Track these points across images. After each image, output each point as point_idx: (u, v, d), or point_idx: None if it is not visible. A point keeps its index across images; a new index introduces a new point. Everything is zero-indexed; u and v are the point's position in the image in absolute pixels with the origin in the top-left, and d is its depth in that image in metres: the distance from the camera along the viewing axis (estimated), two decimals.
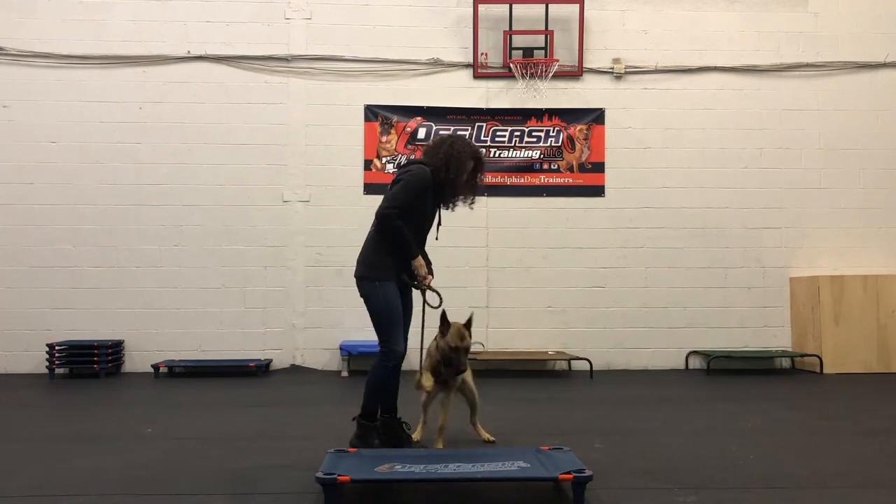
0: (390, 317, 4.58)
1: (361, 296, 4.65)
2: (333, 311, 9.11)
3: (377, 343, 4.58)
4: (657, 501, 3.78)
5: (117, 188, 9.24)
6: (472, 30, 9.41)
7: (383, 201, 4.64)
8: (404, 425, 4.74)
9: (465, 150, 4.72)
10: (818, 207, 9.61)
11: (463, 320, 4.69)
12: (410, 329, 4.77)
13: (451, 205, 4.85)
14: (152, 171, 9.27)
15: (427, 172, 4.66)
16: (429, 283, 4.70)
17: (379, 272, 4.62)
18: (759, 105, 9.63)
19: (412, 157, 9.38)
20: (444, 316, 4.64)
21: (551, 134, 9.56)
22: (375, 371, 4.64)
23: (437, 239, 4.83)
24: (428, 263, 4.77)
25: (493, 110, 9.51)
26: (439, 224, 4.85)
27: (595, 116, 9.56)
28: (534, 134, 9.56)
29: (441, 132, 9.30)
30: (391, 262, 4.62)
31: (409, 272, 4.67)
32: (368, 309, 4.62)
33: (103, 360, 8.68)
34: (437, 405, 4.84)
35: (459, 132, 9.41)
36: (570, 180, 9.56)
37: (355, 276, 4.70)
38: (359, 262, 4.72)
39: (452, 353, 4.57)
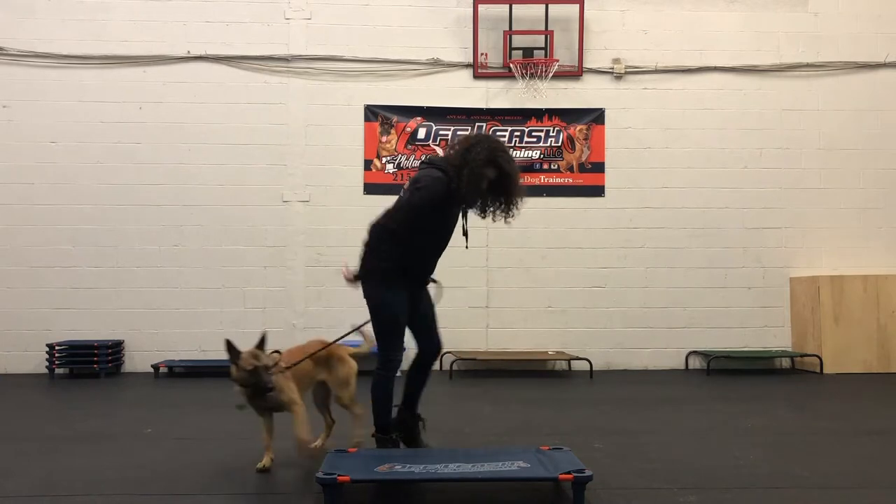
0: (392, 325, 4.42)
1: (365, 297, 4.48)
2: (333, 311, 9.10)
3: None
4: (657, 501, 3.78)
5: (117, 188, 9.24)
6: (472, 30, 9.41)
7: (388, 211, 4.43)
8: (421, 423, 4.65)
9: (479, 158, 4.27)
10: (818, 207, 9.61)
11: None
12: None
13: (473, 213, 4.53)
14: (152, 171, 9.27)
15: (440, 182, 4.33)
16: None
17: (387, 277, 4.41)
18: (759, 105, 9.63)
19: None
20: (229, 344, 4.48)
21: (551, 134, 9.56)
22: (375, 383, 4.47)
23: (466, 248, 4.61)
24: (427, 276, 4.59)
25: (493, 110, 9.51)
26: (465, 233, 4.51)
27: (595, 116, 9.56)
28: (534, 134, 9.56)
29: (463, 131, 9.33)
30: (403, 270, 4.43)
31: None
32: (370, 313, 4.46)
33: (103, 360, 8.67)
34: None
35: (459, 132, 9.41)
36: (570, 180, 9.55)
37: (360, 277, 4.48)
38: (365, 263, 4.50)
39: (250, 376, 4.36)
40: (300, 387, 4.53)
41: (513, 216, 4.48)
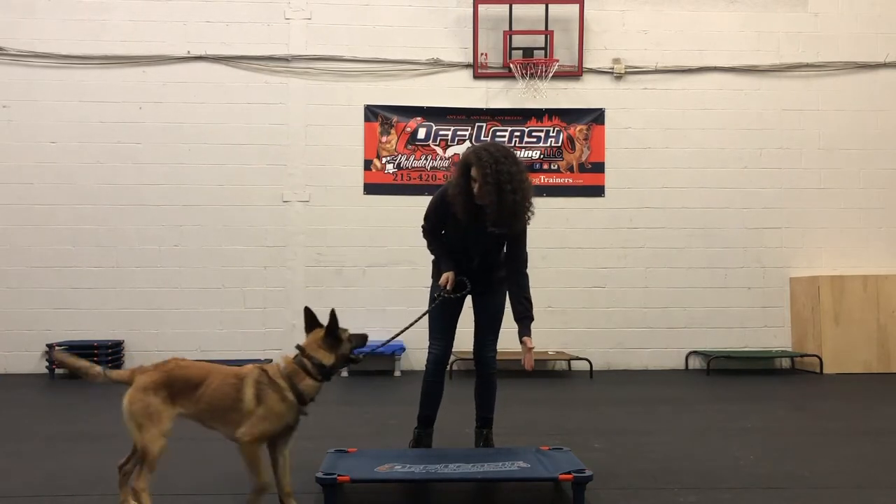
0: (431, 317, 4.57)
1: None
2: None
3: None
4: (657, 501, 3.78)
5: (117, 188, 9.24)
6: (472, 30, 9.41)
7: None
8: (482, 438, 4.66)
9: (461, 160, 4.33)
10: (818, 207, 9.61)
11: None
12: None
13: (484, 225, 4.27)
14: (152, 171, 9.27)
15: (439, 192, 4.50)
16: (447, 287, 4.46)
17: (434, 270, 4.66)
18: (759, 105, 9.64)
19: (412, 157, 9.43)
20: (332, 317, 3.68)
21: (551, 134, 9.56)
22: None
23: (474, 266, 4.52)
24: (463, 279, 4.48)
25: (493, 110, 9.51)
26: (483, 250, 4.46)
27: (595, 116, 9.56)
28: (534, 134, 9.56)
29: (463, 131, 9.36)
30: (442, 266, 4.56)
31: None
32: None
33: (103, 360, 8.66)
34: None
35: (459, 132, 9.43)
36: (570, 180, 9.55)
37: None
38: None
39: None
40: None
41: (507, 219, 4.21)
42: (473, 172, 4.20)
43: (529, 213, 4.30)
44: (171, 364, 3.52)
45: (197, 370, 3.53)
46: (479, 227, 4.32)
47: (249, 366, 3.58)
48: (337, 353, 3.62)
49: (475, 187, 4.21)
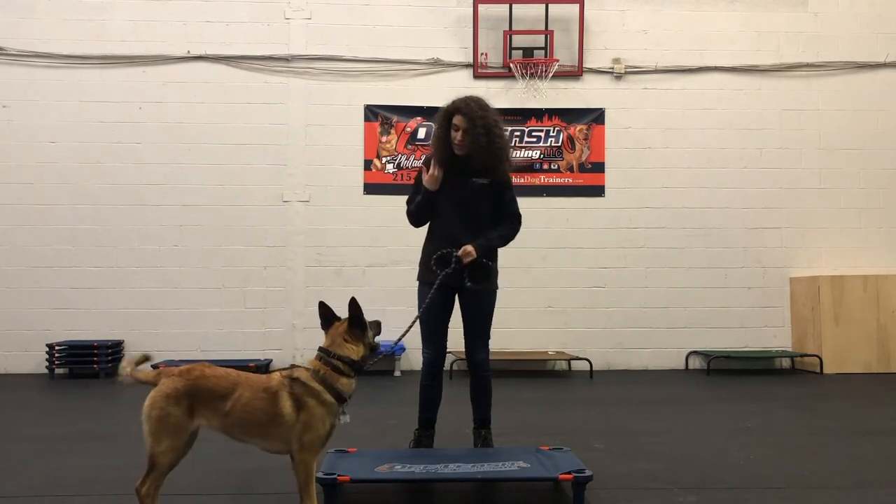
0: (422, 319, 4.49)
1: None
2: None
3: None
4: (657, 501, 3.78)
5: (117, 188, 9.24)
6: (472, 30, 9.40)
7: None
8: (480, 438, 4.64)
9: (443, 111, 4.45)
10: (818, 207, 9.61)
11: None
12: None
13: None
14: (152, 171, 9.27)
15: (424, 159, 4.69)
16: (466, 260, 4.36)
17: (420, 272, 4.62)
18: (759, 105, 9.63)
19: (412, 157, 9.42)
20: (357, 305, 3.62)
21: (551, 134, 9.56)
22: None
23: (475, 224, 4.51)
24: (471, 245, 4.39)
25: None
26: (470, 203, 4.46)
27: (595, 116, 9.56)
28: (534, 134, 9.56)
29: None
30: (426, 259, 4.53)
31: (437, 258, 4.43)
32: None
33: (103, 360, 8.67)
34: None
35: None
36: (570, 180, 9.55)
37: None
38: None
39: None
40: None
41: (494, 163, 4.39)
42: (457, 120, 4.34)
43: (510, 163, 4.53)
44: (197, 372, 3.32)
45: (224, 381, 3.34)
46: (461, 179, 4.43)
47: (276, 375, 3.42)
48: (365, 343, 3.55)
49: (457, 136, 4.35)
